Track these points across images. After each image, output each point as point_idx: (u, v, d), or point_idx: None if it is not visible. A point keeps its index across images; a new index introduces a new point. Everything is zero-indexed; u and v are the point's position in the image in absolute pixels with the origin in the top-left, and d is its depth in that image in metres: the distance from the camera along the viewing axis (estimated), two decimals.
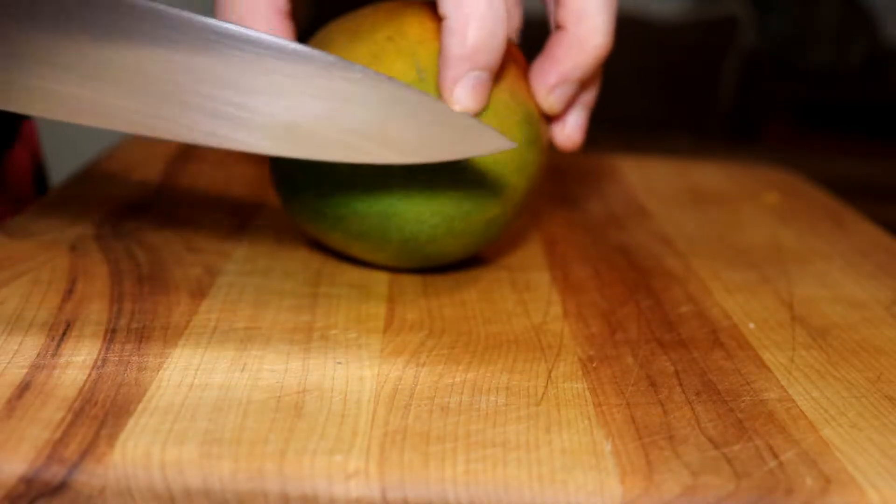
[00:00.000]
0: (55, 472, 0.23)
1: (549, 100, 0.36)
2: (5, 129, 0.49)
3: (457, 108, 0.33)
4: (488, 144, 0.31)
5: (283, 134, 0.29)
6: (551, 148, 0.38)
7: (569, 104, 0.37)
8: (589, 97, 0.38)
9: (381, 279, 0.37)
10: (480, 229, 0.35)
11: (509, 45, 0.36)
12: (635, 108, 2.08)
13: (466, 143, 0.30)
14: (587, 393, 0.28)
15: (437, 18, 0.35)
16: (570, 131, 0.38)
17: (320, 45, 0.36)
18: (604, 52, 0.35)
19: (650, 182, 0.57)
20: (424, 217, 0.34)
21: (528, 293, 0.37)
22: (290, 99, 0.29)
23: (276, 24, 0.34)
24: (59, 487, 0.23)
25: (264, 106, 0.28)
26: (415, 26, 0.34)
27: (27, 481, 0.23)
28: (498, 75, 0.34)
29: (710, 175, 0.60)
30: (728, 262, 0.42)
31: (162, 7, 0.28)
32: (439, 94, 0.33)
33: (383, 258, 0.36)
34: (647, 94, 2.11)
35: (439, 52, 0.33)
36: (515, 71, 0.36)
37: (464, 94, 0.32)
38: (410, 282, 0.37)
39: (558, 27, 0.35)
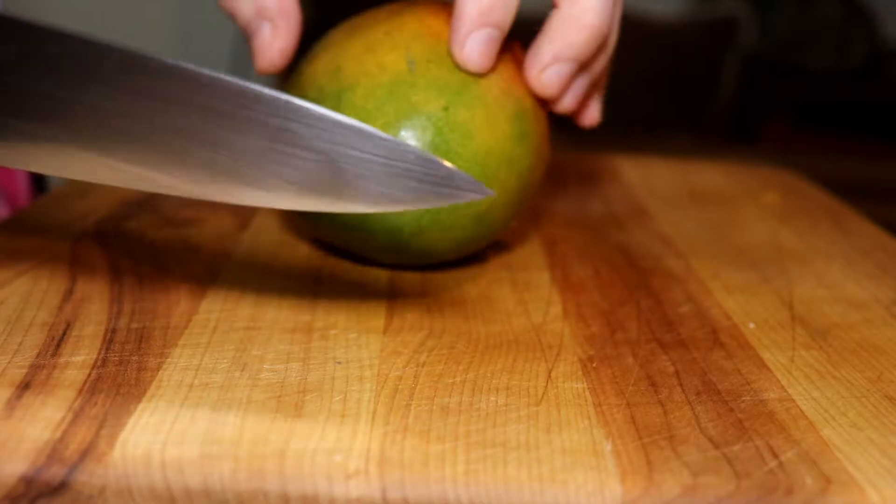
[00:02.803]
0: (55, 472, 0.23)
1: (542, 79, 0.35)
2: None
3: (468, 66, 0.34)
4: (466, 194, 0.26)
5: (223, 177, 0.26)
6: (550, 147, 0.38)
7: (564, 87, 0.36)
8: (596, 69, 0.37)
9: (381, 279, 0.37)
10: (470, 224, 0.35)
11: (511, 41, 0.37)
12: (635, 107, 2.08)
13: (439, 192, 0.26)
14: (587, 393, 0.28)
15: (438, 17, 0.35)
16: (589, 119, 0.39)
17: (322, 42, 0.37)
18: (596, 32, 0.34)
19: (650, 182, 0.57)
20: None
21: (528, 293, 0.37)
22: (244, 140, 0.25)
23: None
24: (59, 487, 0.23)
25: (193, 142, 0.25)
26: (413, 23, 0.35)
27: (27, 481, 0.23)
28: (493, 68, 0.34)
29: (710, 175, 0.60)
30: (728, 262, 0.42)
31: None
32: (427, 83, 0.33)
33: (375, 252, 0.36)
34: (647, 93, 2.11)
35: (452, 17, 0.34)
36: (513, 67, 0.36)
37: (475, 49, 0.33)
38: (410, 281, 0.37)
39: (553, 6, 0.35)
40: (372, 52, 0.34)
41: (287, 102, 0.25)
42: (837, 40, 2.29)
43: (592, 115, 0.39)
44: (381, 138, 0.25)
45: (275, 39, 0.35)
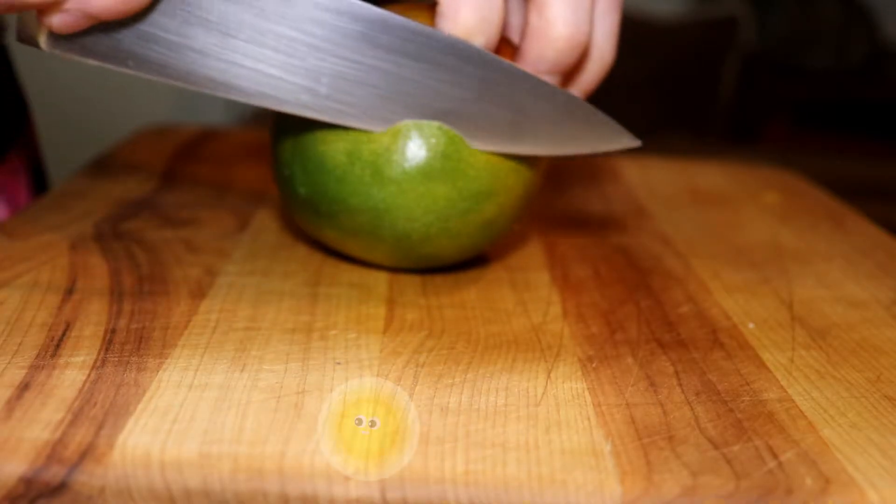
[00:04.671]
0: (55, 473, 0.23)
1: None
2: (7, 128, 0.49)
3: None
4: (616, 142, 0.34)
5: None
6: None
7: None
8: (585, 81, 0.37)
9: (381, 279, 0.37)
10: (477, 231, 0.35)
11: (510, 46, 0.37)
12: (635, 108, 2.08)
13: (593, 137, 0.34)
14: (587, 393, 0.28)
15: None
16: None
17: None
18: (567, 41, 0.34)
19: (650, 182, 0.57)
20: (416, 215, 0.34)
21: (528, 293, 0.37)
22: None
23: None
24: (59, 487, 0.23)
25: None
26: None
27: (27, 481, 0.23)
28: None
29: (710, 175, 0.60)
30: (728, 262, 0.42)
31: None
32: None
33: (379, 257, 0.36)
34: (647, 93, 2.11)
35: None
36: None
37: None
38: (410, 282, 0.37)
39: (525, 22, 0.35)
40: None
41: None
42: (837, 40, 2.29)
43: None
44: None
45: None
